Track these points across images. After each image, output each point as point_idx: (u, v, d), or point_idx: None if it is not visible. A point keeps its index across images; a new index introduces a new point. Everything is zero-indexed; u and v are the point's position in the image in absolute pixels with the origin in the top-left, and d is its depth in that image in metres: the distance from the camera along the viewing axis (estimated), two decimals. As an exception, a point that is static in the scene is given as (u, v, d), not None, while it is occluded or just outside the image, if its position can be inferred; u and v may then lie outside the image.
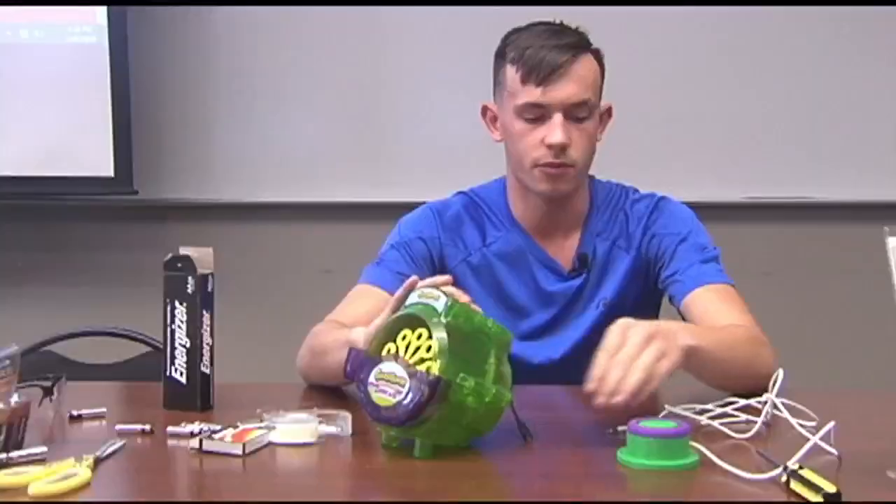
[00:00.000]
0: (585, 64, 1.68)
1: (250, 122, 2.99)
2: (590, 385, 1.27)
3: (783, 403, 1.38)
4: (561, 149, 1.66)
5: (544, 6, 2.71)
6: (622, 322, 1.32)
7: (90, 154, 2.89)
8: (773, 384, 1.41)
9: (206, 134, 3.01)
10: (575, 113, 1.66)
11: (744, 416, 1.38)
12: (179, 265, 1.47)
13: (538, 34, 1.69)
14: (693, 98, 2.93)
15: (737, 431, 1.34)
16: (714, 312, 1.64)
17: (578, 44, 1.69)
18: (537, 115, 1.67)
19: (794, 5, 2.85)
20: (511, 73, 1.68)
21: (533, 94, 1.66)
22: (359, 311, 1.63)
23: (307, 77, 2.98)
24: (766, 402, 1.38)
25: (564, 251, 1.78)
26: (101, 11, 2.86)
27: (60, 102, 2.90)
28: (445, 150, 2.90)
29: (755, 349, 1.55)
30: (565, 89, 1.65)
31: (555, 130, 1.65)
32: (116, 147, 2.87)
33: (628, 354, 1.27)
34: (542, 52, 1.65)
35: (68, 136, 2.90)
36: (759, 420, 1.35)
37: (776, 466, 1.13)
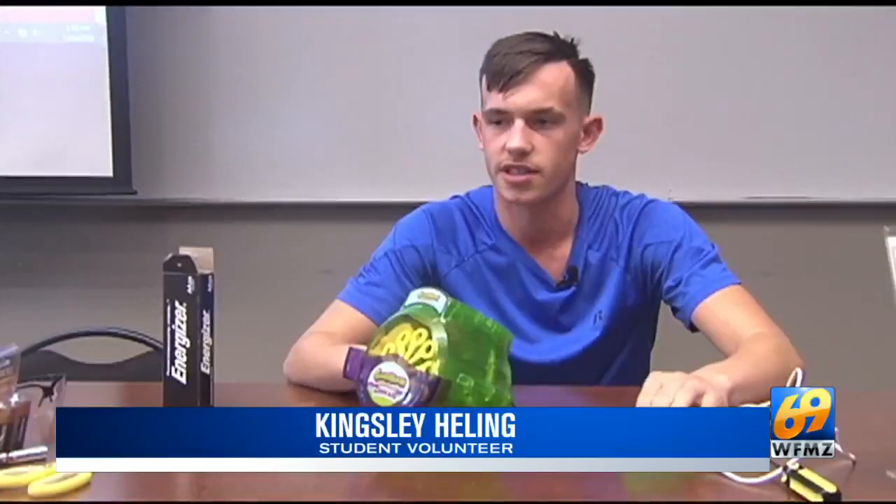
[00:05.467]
0: (552, 71, 1.65)
1: (250, 122, 2.99)
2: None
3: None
4: (520, 154, 1.64)
5: (545, 6, 2.74)
6: (657, 373, 1.34)
7: (89, 154, 2.88)
8: (794, 384, 1.38)
9: (205, 134, 3.01)
10: (538, 119, 1.65)
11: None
12: (179, 265, 1.47)
13: (511, 41, 1.68)
14: (693, 98, 2.93)
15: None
16: (729, 323, 1.61)
17: (548, 50, 1.66)
18: (501, 120, 1.66)
19: (794, 5, 2.85)
20: (483, 80, 1.70)
21: (496, 99, 1.66)
22: (335, 329, 1.68)
23: (307, 77, 2.98)
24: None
25: (555, 261, 1.76)
26: (99, 11, 2.86)
27: (59, 102, 2.90)
28: (445, 150, 2.90)
29: (784, 359, 1.52)
30: (526, 95, 1.64)
31: (514, 136, 1.64)
32: (115, 147, 2.87)
33: (667, 393, 1.29)
34: (507, 58, 1.65)
35: (67, 136, 2.90)
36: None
37: (776, 466, 1.13)
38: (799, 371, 1.38)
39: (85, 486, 1.14)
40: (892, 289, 1.16)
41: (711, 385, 1.33)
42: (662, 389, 1.30)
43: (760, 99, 2.93)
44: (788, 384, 1.38)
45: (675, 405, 1.27)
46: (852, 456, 1.21)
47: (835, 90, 2.92)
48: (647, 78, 2.90)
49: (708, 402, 1.31)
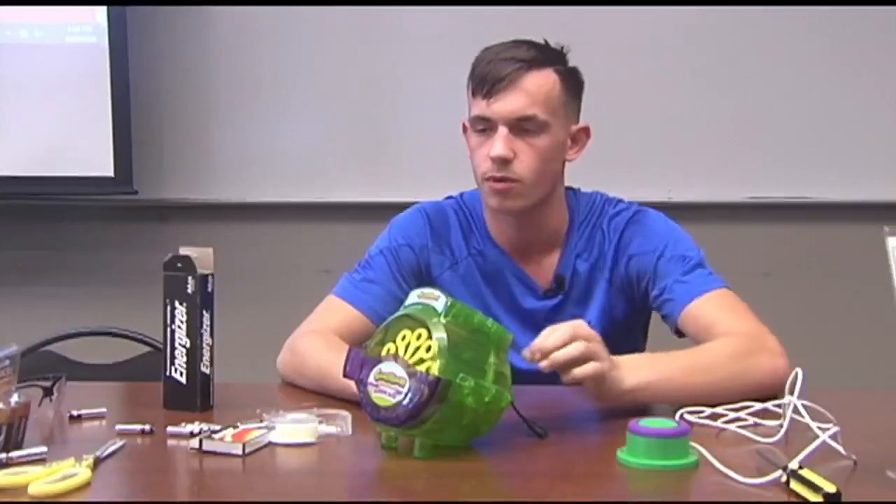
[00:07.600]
0: (537, 78, 1.63)
1: (250, 122, 2.99)
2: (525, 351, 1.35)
3: (804, 405, 1.34)
4: (502, 162, 1.63)
5: (544, 6, 2.74)
6: (581, 326, 1.40)
7: (90, 154, 2.89)
8: (793, 386, 1.36)
9: (206, 134, 3.01)
10: (522, 127, 1.63)
11: (752, 420, 1.38)
12: (179, 265, 1.47)
13: (497, 48, 1.66)
14: (693, 98, 2.93)
15: (760, 434, 1.32)
16: (710, 326, 1.60)
17: (533, 57, 1.64)
18: (486, 128, 1.65)
19: (794, 5, 2.85)
20: (469, 87, 1.68)
21: (480, 106, 1.64)
22: (330, 325, 1.68)
23: (307, 77, 2.98)
24: (788, 405, 1.34)
25: (543, 270, 1.75)
26: (100, 11, 2.86)
27: (60, 102, 2.90)
28: (444, 150, 2.86)
29: (742, 363, 1.50)
30: (509, 103, 1.62)
31: (496, 143, 1.62)
32: (116, 147, 2.87)
33: (572, 333, 1.36)
34: (491, 65, 1.63)
35: (68, 136, 2.90)
36: (784, 424, 1.33)
37: (777, 467, 1.13)
38: (799, 371, 1.38)
39: (85, 486, 1.14)
40: (892, 289, 1.16)
41: (613, 364, 1.39)
42: (571, 330, 1.36)
43: (760, 99, 2.93)
44: (787, 385, 1.39)
45: (553, 354, 1.34)
46: (853, 456, 1.21)
47: (835, 90, 2.92)
48: (648, 78, 2.90)
49: (586, 371, 1.36)
